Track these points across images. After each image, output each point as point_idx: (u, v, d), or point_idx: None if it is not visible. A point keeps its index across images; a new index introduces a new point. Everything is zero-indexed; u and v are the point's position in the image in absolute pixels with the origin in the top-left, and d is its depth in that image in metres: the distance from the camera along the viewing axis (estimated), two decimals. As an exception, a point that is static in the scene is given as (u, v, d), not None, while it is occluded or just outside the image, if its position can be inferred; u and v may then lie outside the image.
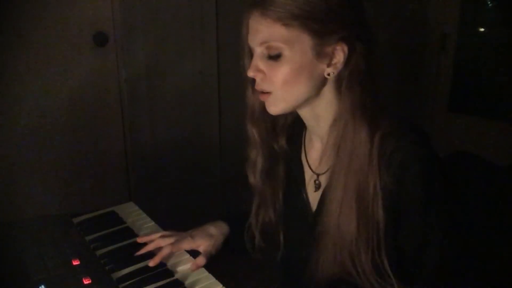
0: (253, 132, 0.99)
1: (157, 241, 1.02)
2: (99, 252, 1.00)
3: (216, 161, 2.23)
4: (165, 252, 0.98)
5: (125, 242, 1.05)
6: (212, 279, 0.93)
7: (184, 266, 0.97)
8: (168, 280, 0.92)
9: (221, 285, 0.91)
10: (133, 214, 1.17)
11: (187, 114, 2.11)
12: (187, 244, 1.03)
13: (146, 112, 2.00)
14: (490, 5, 2.74)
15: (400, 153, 0.81)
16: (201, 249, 1.03)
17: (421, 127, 0.86)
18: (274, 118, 0.99)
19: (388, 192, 0.82)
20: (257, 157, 1.00)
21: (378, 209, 0.82)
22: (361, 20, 0.86)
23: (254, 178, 1.02)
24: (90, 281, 0.88)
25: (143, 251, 1.00)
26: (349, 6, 0.84)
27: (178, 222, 1.08)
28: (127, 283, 0.90)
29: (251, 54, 0.88)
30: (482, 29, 2.77)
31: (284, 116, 1.00)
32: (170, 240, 1.02)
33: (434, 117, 2.87)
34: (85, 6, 1.76)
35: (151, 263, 0.96)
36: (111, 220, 1.14)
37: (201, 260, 0.98)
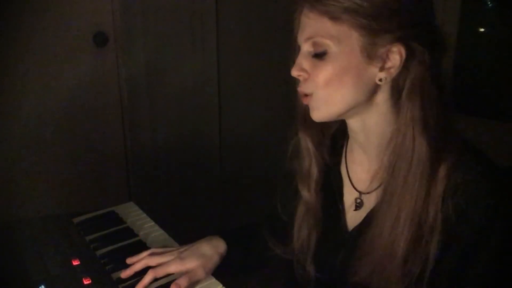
0: (305, 139, 0.89)
1: (144, 261, 0.92)
2: (99, 252, 1.00)
3: (216, 161, 2.22)
4: (147, 279, 0.88)
5: (125, 242, 1.05)
6: (212, 279, 0.93)
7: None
8: (168, 280, 0.91)
9: (221, 285, 0.91)
10: (133, 214, 1.17)
11: (187, 114, 2.10)
12: (174, 267, 0.91)
13: (146, 112, 1.99)
14: (490, 5, 2.73)
15: (469, 187, 0.73)
16: (189, 270, 0.91)
17: (487, 155, 0.77)
18: (323, 124, 0.89)
19: (447, 226, 0.74)
20: (310, 167, 0.90)
21: (432, 243, 0.74)
22: (425, 19, 0.75)
23: (309, 191, 0.90)
24: (90, 281, 0.87)
25: (129, 272, 0.91)
26: (410, 1, 0.73)
27: (178, 222, 1.08)
28: (127, 283, 0.90)
29: None
30: (482, 29, 2.76)
31: (329, 123, 0.91)
32: (157, 260, 0.92)
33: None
34: (85, 6, 1.76)
35: (122, 275, 0.90)
36: (111, 220, 1.14)
37: (182, 281, 0.87)
